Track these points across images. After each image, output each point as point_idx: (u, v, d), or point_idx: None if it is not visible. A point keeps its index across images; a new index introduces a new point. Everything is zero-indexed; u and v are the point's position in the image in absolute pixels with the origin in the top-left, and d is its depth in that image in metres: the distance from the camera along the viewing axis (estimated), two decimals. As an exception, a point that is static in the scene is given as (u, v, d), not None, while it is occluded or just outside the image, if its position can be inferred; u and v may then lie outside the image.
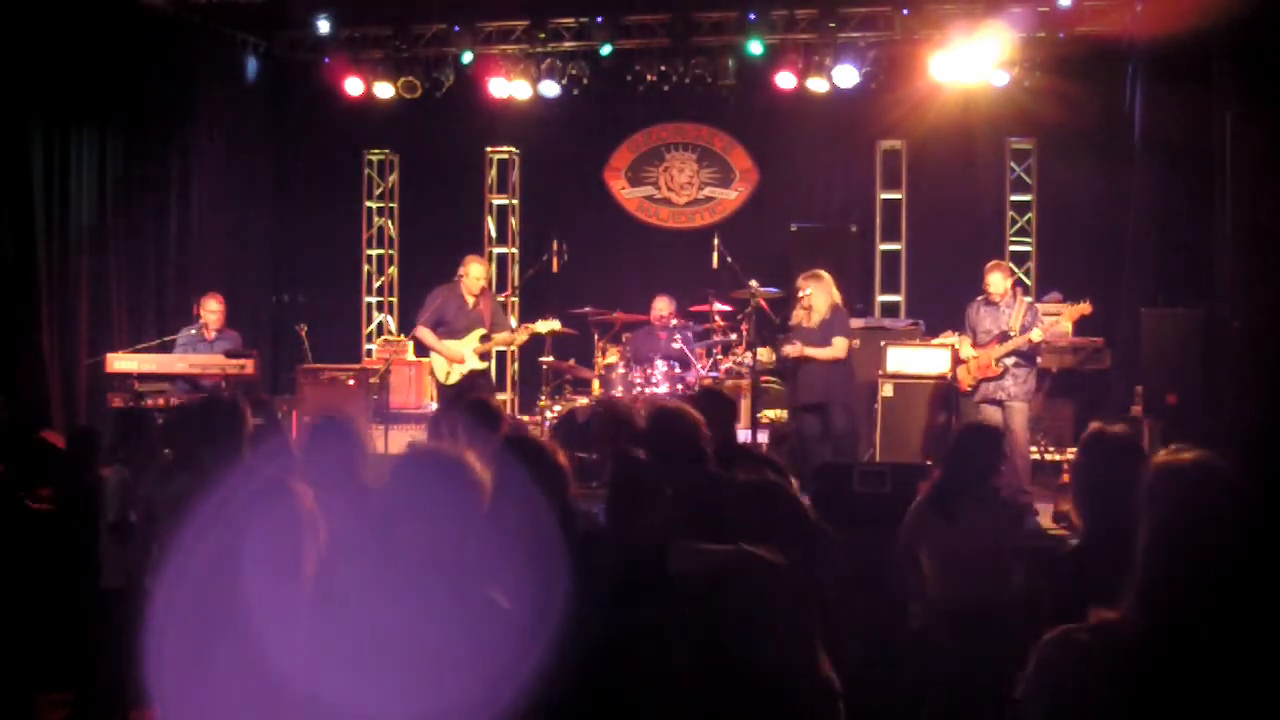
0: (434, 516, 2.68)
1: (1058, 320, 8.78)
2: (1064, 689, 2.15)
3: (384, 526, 2.70)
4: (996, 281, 8.41)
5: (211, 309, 9.27)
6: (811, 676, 3.49)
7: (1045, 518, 7.14)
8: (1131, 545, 2.80)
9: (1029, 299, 8.57)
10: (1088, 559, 3.29)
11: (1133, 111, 9.81)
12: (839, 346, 8.45)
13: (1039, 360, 8.58)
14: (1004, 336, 8.27)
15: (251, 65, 11.66)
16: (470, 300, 8.85)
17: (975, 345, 8.43)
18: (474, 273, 8.86)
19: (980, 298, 8.52)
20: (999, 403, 8.34)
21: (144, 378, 8.59)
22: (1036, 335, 8.16)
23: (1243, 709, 2.07)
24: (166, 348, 9.19)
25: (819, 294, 8.53)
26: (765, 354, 9.14)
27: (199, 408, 4.27)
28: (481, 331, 8.82)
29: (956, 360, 8.61)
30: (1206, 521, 2.14)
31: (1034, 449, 8.76)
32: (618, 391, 9.27)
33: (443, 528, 2.66)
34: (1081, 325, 8.96)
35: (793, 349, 8.42)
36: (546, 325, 9.06)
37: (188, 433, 4.21)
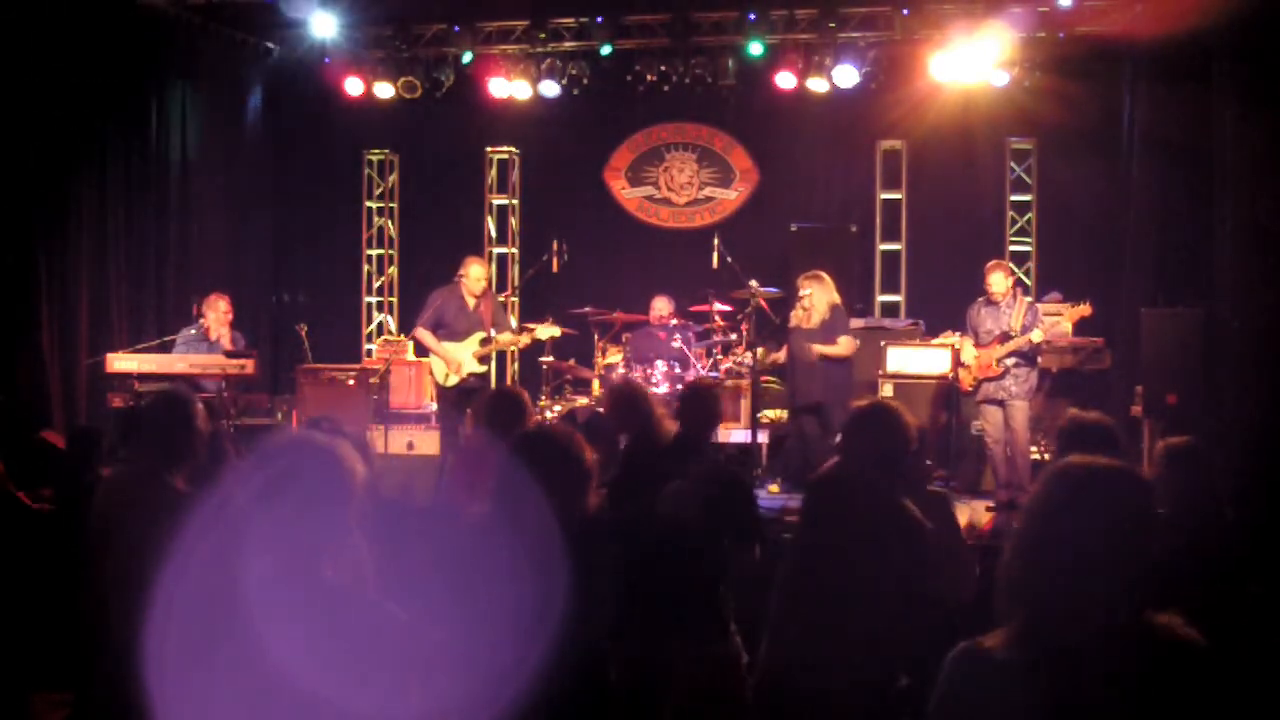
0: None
1: (1058, 321, 8.79)
2: (968, 704, 2.12)
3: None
4: (997, 281, 8.42)
5: (221, 309, 9.24)
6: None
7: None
8: None
9: (1029, 299, 8.58)
10: None
11: (1133, 111, 9.82)
12: (845, 345, 8.48)
13: (1039, 360, 8.59)
14: (1005, 337, 8.28)
15: (251, 65, 11.66)
16: (471, 302, 8.84)
17: (977, 345, 8.44)
18: (474, 274, 8.85)
19: (981, 298, 8.53)
20: (1000, 402, 8.35)
21: (144, 378, 8.58)
22: (1037, 336, 8.17)
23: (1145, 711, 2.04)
24: (166, 348, 9.18)
25: (819, 295, 8.54)
26: (765, 354, 9.15)
27: (152, 405, 4.30)
28: (482, 334, 8.82)
29: (958, 361, 8.62)
30: (1075, 521, 2.08)
31: (1034, 449, 8.76)
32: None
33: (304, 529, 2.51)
34: (1081, 325, 8.97)
35: (814, 348, 8.43)
36: (547, 331, 9.07)
37: (143, 429, 4.24)
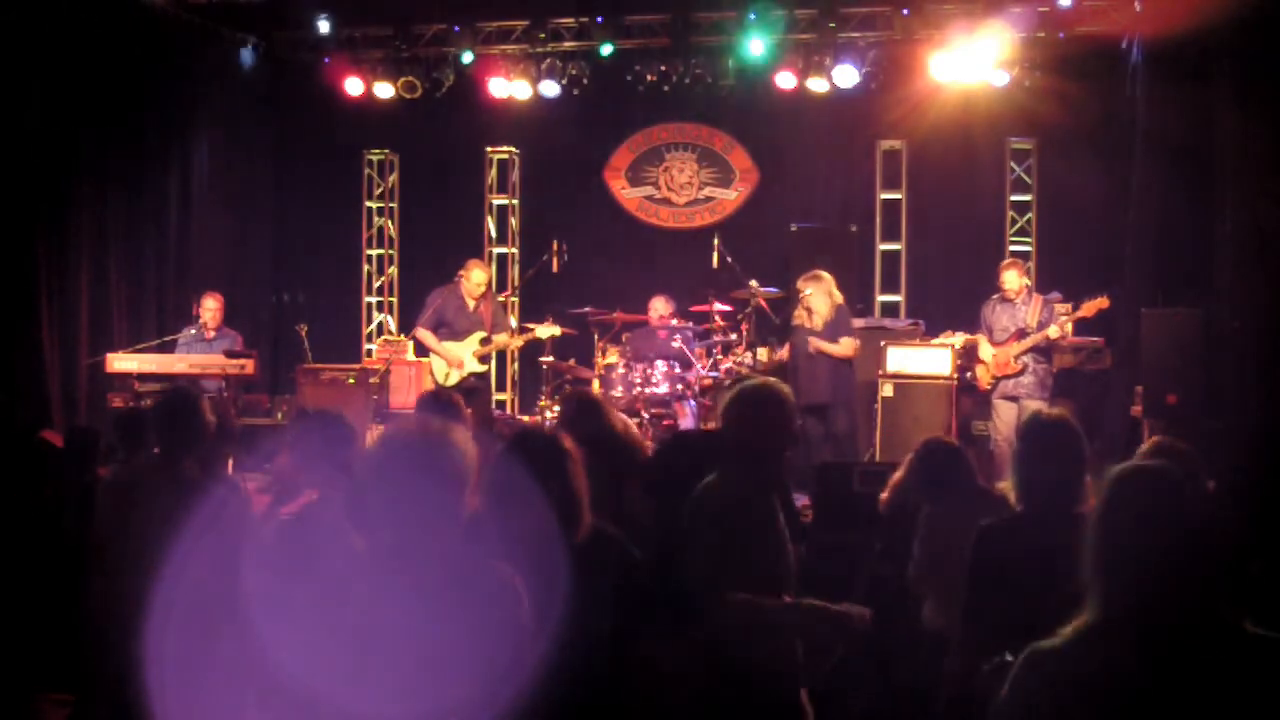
0: (412, 506, 2.63)
1: (1075, 315, 8.77)
2: (1038, 709, 2.14)
3: (369, 520, 2.67)
4: (1012, 279, 8.50)
5: (209, 307, 9.29)
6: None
7: None
8: (1065, 520, 2.85)
9: (1044, 296, 8.59)
10: (1024, 531, 3.34)
11: (1133, 111, 9.81)
12: (847, 345, 8.49)
13: (1054, 357, 8.63)
14: (1021, 334, 8.34)
15: (251, 66, 11.66)
16: (470, 303, 8.87)
17: (992, 343, 8.48)
18: (475, 278, 8.87)
19: (995, 296, 8.60)
20: (1015, 399, 8.38)
21: (144, 378, 8.60)
22: (1054, 331, 8.22)
23: (1215, 712, 2.06)
24: (166, 348, 9.19)
25: (819, 295, 8.55)
26: (765, 354, 9.15)
27: (159, 405, 4.33)
28: (481, 334, 8.83)
29: (975, 359, 8.65)
30: (1157, 528, 2.15)
31: None
32: (618, 392, 9.28)
33: (421, 516, 2.62)
34: (1081, 325, 8.97)
35: (816, 344, 8.43)
36: (547, 330, 9.09)
37: (146, 426, 4.27)
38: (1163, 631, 2.08)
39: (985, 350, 8.52)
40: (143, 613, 3.46)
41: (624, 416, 5.21)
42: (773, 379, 3.80)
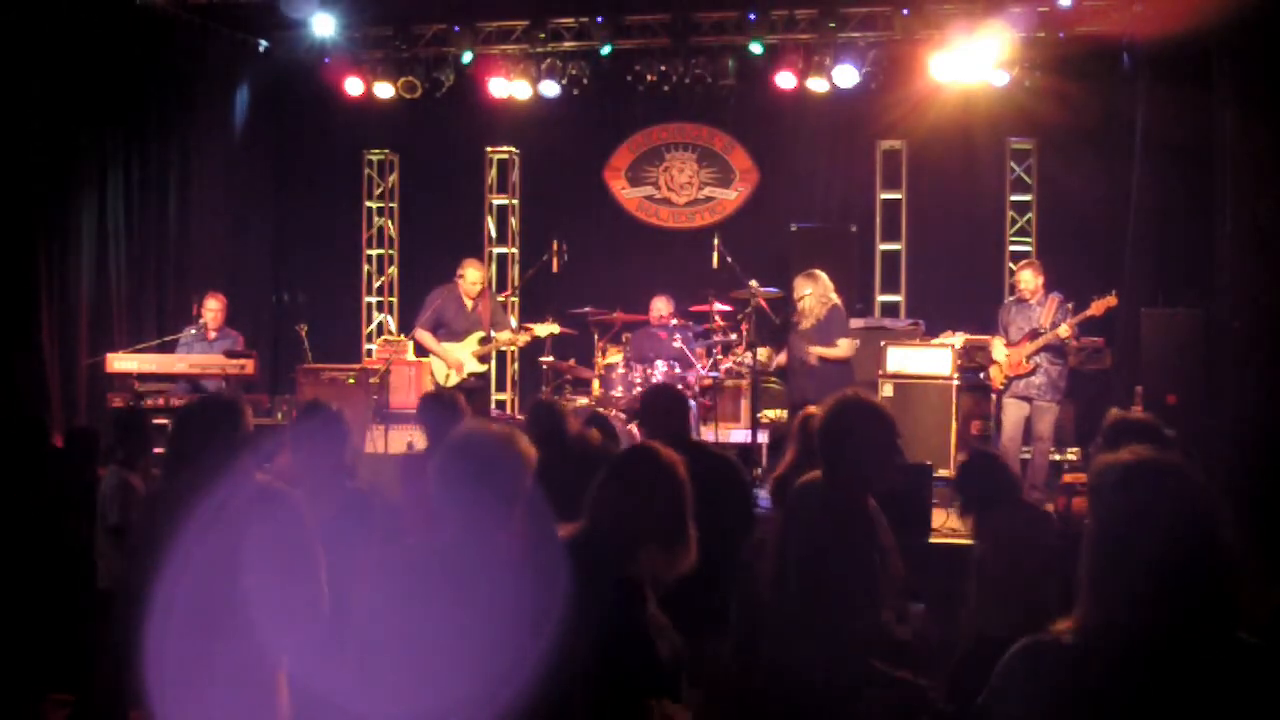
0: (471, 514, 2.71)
1: (1083, 315, 8.75)
2: (1028, 699, 2.13)
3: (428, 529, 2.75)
4: (1026, 278, 8.52)
5: (211, 308, 9.29)
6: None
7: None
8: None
9: (1059, 296, 8.60)
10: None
11: (1133, 111, 9.81)
12: (845, 346, 8.46)
13: (1070, 358, 8.61)
14: (1034, 334, 8.34)
15: (251, 65, 11.66)
16: (469, 303, 8.86)
17: (1008, 344, 8.48)
18: (470, 277, 8.87)
19: (1012, 297, 8.62)
20: (1028, 399, 8.38)
21: (144, 378, 8.59)
22: (1064, 330, 8.21)
23: (1210, 709, 2.05)
24: (167, 348, 9.19)
25: (813, 294, 8.54)
26: (765, 354, 9.14)
27: (199, 406, 4.26)
28: (481, 334, 8.82)
29: (990, 359, 8.65)
30: (1149, 519, 2.09)
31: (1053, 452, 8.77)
32: (618, 392, 9.27)
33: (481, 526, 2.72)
34: (1083, 325, 8.97)
35: (811, 351, 8.42)
36: (546, 329, 9.08)
37: (188, 432, 4.20)
38: (1161, 633, 2.05)
39: (999, 350, 8.53)
40: (142, 613, 3.45)
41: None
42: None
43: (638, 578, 2.99)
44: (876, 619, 3.66)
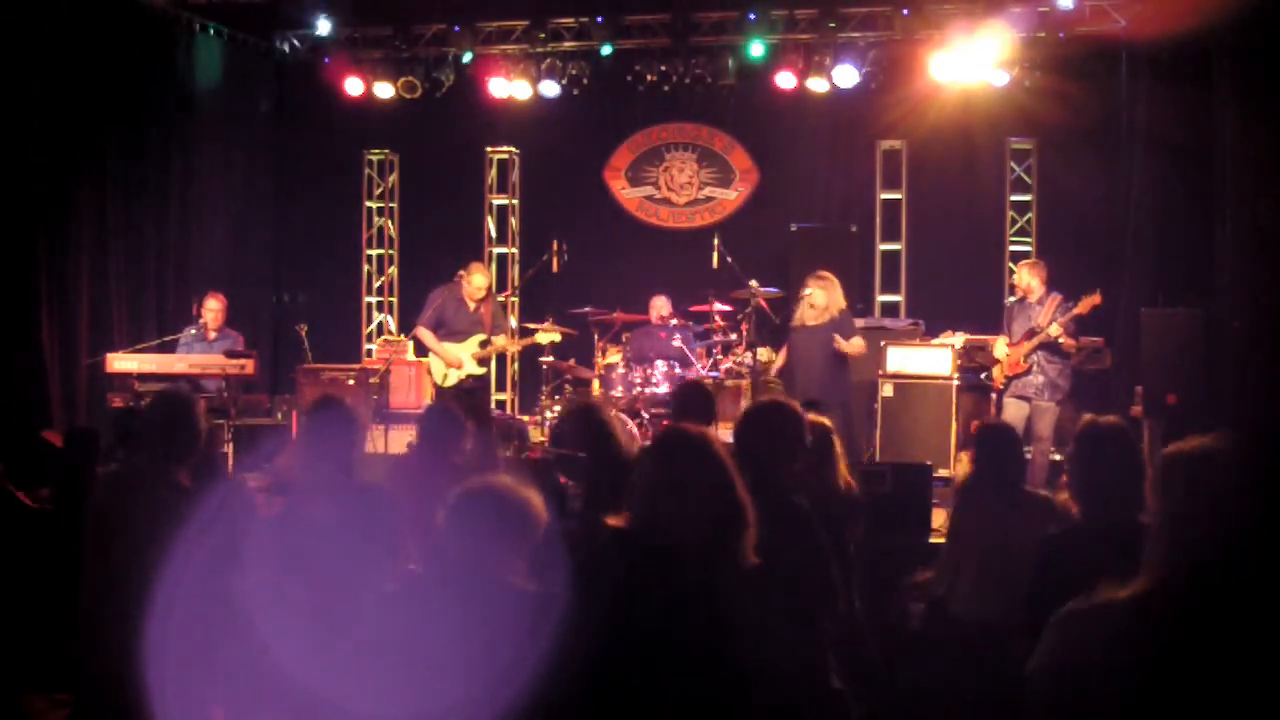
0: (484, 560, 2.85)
1: (1070, 314, 8.77)
2: (1078, 664, 2.17)
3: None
4: (1021, 278, 8.63)
5: (211, 308, 9.29)
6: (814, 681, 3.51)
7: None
8: (1124, 527, 2.86)
9: (1060, 295, 8.62)
10: (1085, 541, 3.39)
11: (1133, 112, 9.81)
12: (858, 344, 8.58)
13: (1071, 358, 8.62)
14: (1031, 333, 8.37)
15: (252, 65, 11.66)
16: (470, 304, 8.87)
17: (1010, 344, 8.52)
18: (476, 282, 8.88)
19: (1017, 297, 8.65)
20: (1027, 399, 8.40)
21: (144, 378, 8.59)
22: (1054, 329, 8.23)
23: (1263, 680, 2.07)
24: (167, 348, 9.19)
25: (827, 297, 8.59)
26: (765, 354, 9.14)
27: (153, 403, 4.30)
28: (481, 336, 8.83)
29: (990, 359, 8.70)
30: (1217, 499, 2.17)
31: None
32: (618, 392, 9.28)
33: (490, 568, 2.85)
34: (1081, 324, 8.97)
35: (841, 344, 8.48)
36: (547, 335, 9.09)
37: (145, 430, 4.21)
38: (1200, 601, 2.10)
39: (1000, 350, 8.58)
40: (140, 612, 3.45)
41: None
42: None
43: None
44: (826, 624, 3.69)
